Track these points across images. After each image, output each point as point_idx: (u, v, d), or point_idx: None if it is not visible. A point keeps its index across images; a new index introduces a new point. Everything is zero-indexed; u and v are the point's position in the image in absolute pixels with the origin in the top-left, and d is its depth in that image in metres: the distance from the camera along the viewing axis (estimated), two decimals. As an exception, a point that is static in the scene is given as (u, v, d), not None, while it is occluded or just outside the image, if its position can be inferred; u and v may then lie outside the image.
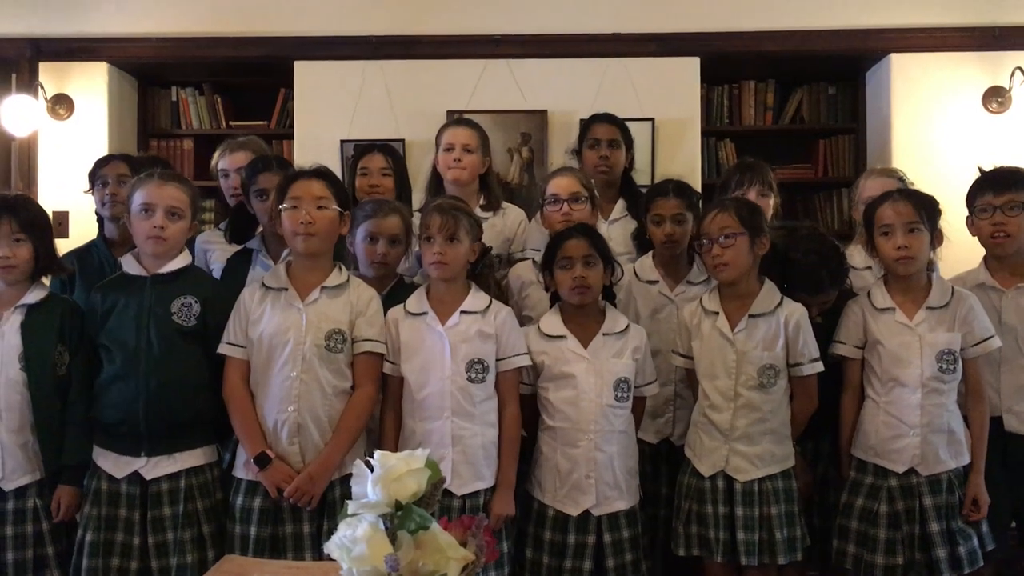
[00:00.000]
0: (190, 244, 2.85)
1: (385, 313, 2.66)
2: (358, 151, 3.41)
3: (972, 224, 2.91)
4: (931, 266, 2.83)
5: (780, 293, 2.69)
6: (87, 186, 3.25)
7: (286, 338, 2.54)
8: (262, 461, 2.52)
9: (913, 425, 2.63)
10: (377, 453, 1.48)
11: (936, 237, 2.70)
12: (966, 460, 2.67)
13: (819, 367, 2.68)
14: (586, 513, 2.62)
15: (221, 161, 3.35)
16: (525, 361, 2.65)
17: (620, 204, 3.40)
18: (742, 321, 2.66)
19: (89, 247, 3.18)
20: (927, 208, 2.69)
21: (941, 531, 2.61)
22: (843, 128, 4.89)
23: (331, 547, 1.44)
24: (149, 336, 2.58)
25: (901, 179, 3.28)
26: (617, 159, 3.43)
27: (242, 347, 2.59)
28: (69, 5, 4.54)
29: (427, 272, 2.71)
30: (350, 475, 2.50)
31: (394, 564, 1.38)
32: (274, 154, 3.35)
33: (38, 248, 2.62)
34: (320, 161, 2.77)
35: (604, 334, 2.70)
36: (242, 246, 3.05)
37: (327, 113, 4.47)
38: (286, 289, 2.59)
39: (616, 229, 3.29)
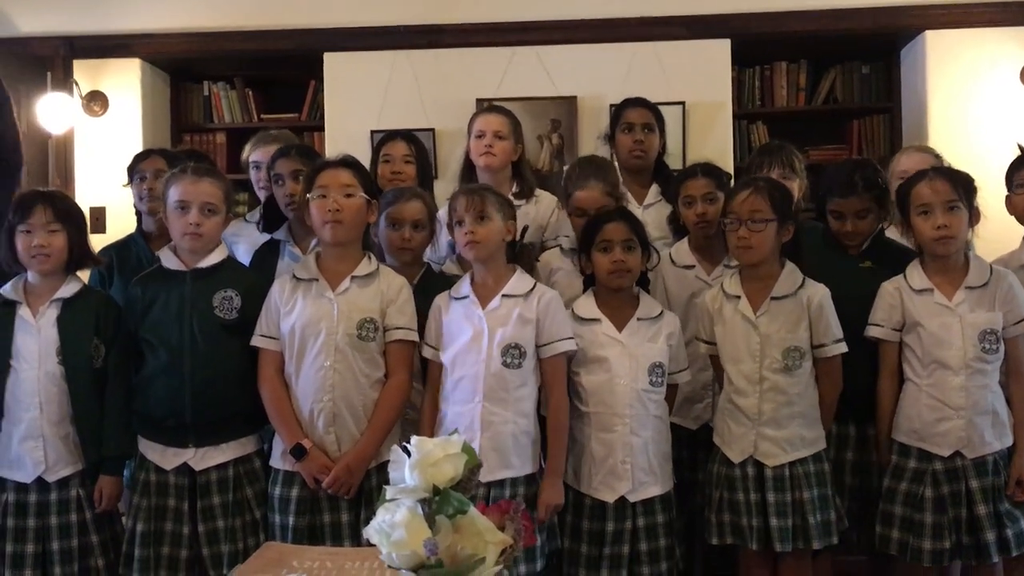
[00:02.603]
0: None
1: (417, 303, 2.67)
2: (381, 138, 3.42)
3: (1010, 201, 2.87)
4: (966, 245, 2.79)
5: (802, 274, 2.67)
6: (124, 180, 3.28)
7: (318, 328, 2.56)
8: (298, 452, 2.54)
9: (958, 407, 2.59)
10: (414, 438, 1.49)
11: (973, 215, 2.66)
12: (1010, 441, 2.63)
13: (843, 348, 2.65)
14: (622, 499, 2.60)
15: (254, 153, 3.38)
16: (570, 346, 2.61)
17: (654, 189, 3.37)
18: (764, 304, 2.65)
19: (127, 241, 3.21)
20: (964, 186, 2.65)
21: (988, 514, 2.57)
22: (878, 107, 4.81)
23: (370, 532, 1.45)
24: (192, 331, 2.61)
25: (937, 156, 3.24)
26: (651, 143, 3.40)
27: (274, 339, 2.61)
28: (102, 3, 4.57)
29: (463, 256, 2.69)
30: (386, 463, 2.53)
31: (433, 548, 1.38)
32: (298, 143, 3.37)
33: (72, 238, 2.65)
34: (351, 152, 2.79)
35: (639, 319, 2.68)
36: (270, 236, 3.07)
37: (357, 104, 4.48)
38: (317, 280, 2.61)
39: (651, 214, 3.25)
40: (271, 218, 3.08)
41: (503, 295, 2.62)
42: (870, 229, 2.86)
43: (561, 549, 2.64)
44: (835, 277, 2.72)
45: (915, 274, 2.70)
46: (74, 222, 2.67)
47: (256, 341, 2.63)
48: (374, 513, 2.41)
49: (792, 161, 3.16)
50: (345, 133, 4.40)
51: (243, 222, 3.25)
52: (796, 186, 3.09)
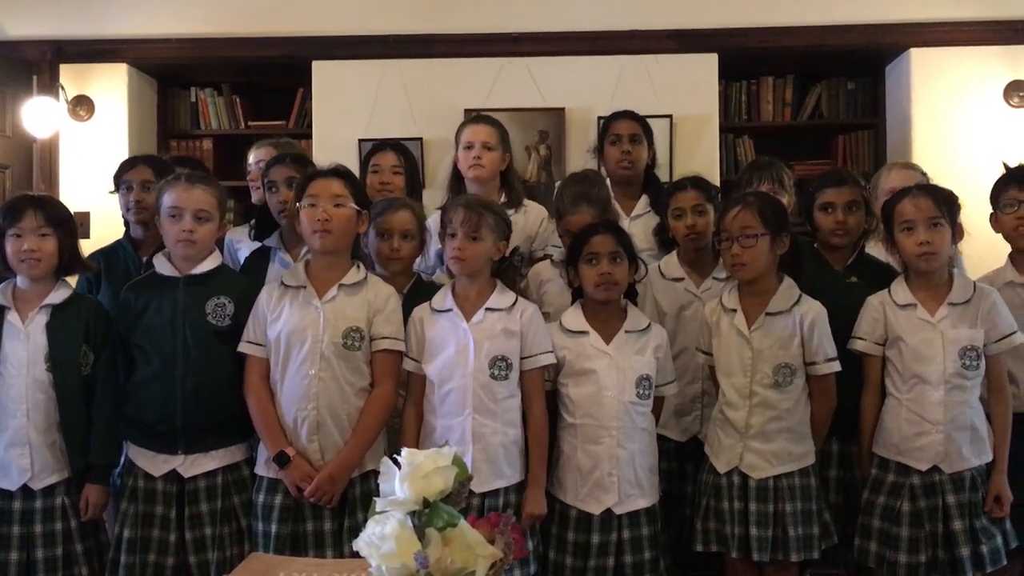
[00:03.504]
0: (220, 243, 2.87)
1: (407, 313, 2.67)
2: (370, 149, 3.43)
3: (996, 220, 2.90)
4: (953, 262, 2.81)
5: (798, 290, 2.69)
6: (111, 187, 3.25)
7: (304, 336, 2.56)
8: (281, 460, 2.53)
9: (936, 422, 2.61)
10: (404, 451, 1.49)
11: (956, 232, 2.69)
12: (989, 457, 2.65)
13: (835, 366, 2.66)
14: (608, 512, 2.61)
15: (257, 153, 3.42)
16: (550, 359, 2.64)
17: (643, 200, 3.38)
18: (759, 319, 2.66)
19: (115, 247, 3.19)
20: (947, 203, 2.67)
21: (964, 529, 2.59)
22: (863, 123, 4.87)
23: (360, 545, 1.45)
24: (185, 337, 2.61)
25: (923, 173, 3.27)
26: (639, 154, 3.41)
27: (261, 345, 2.61)
28: (89, 7, 4.58)
29: (449, 266, 2.70)
30: (370, 472, 2.55)
31: (423, 561, 1.38)
32: (298, 152, 3.37)
33: (63, 243, 2.64)
34: (338, 160, 2.78)
35: (626, 331, 2.69)
36: (261, 244, 3.07)
37: (345, 112, 4.49)
38: (304, 287, 2.61)
39: (638, 225, 3.27)
40: (263, 225, 3.08)
41: (487, 308, 2.63)
42: (857, 228, 2.90)
43: (546, 561, 2.64)
44: (822, 292, 2.74)
45: (899, 289, 2.72)
46: (65, 227, 2.66)
47: (243, 347, 2.63)
48: (357, 522, 2.41)
49: (782, 176, 3.19)
50: (333, 141, 4.41)
51: (247, 228, 3.23)
52: (785, 202, 3.11)
